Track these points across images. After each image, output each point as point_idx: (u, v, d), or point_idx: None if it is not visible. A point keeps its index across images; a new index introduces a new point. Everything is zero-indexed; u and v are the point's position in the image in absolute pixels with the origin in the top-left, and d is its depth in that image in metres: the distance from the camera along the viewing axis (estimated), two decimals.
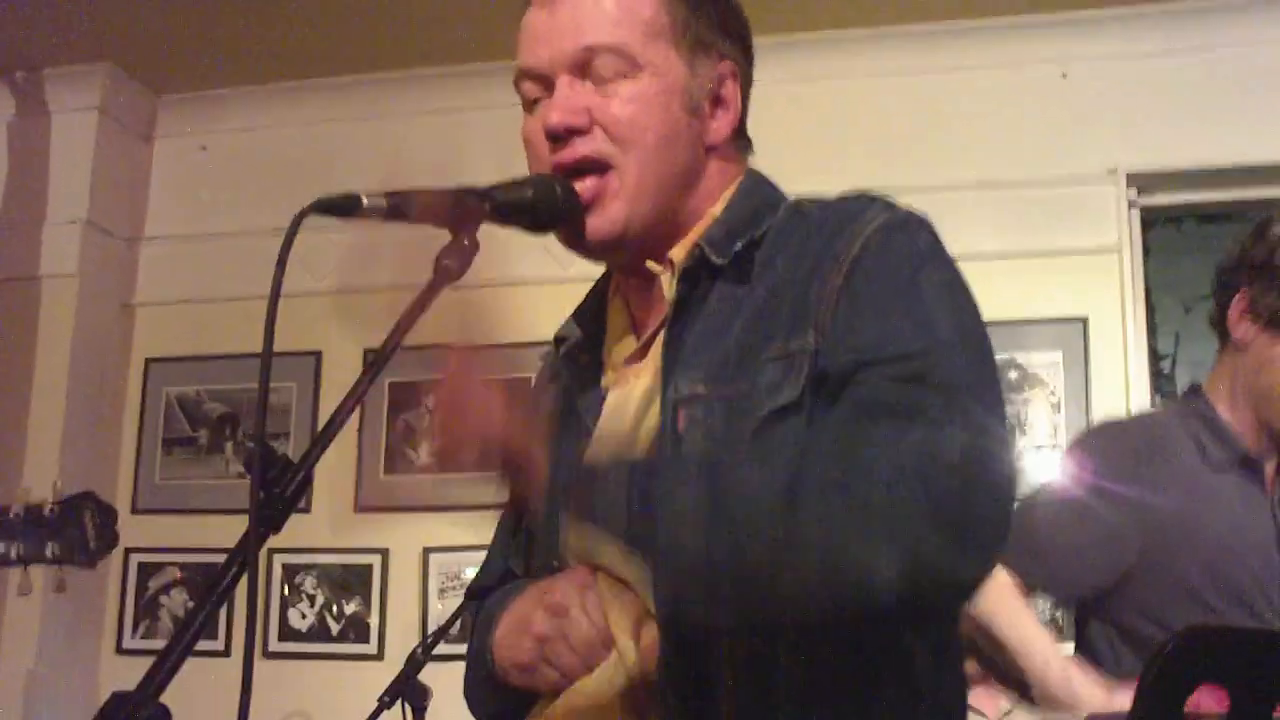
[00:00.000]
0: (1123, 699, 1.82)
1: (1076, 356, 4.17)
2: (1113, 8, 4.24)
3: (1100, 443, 2.48)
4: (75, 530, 2.53)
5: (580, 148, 1.47)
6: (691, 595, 1.32)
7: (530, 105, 1.54)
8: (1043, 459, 4.05)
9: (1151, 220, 4.40)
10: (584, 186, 1.48)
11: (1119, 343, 4.15)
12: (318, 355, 4.70)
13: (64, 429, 4.58)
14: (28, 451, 4.54)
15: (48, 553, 2.52)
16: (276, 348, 1.24)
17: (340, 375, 4.60)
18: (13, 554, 2.50)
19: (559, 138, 1.48)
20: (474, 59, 4.50)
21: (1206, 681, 1.03)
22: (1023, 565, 2.24)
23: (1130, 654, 2.31)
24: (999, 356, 1.41)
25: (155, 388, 4.90)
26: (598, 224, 1.49)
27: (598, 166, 1.48)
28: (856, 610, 1.26)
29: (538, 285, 3.29)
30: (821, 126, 4.42)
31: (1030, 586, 2.31)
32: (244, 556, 1.15)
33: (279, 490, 1.21)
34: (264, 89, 4.90)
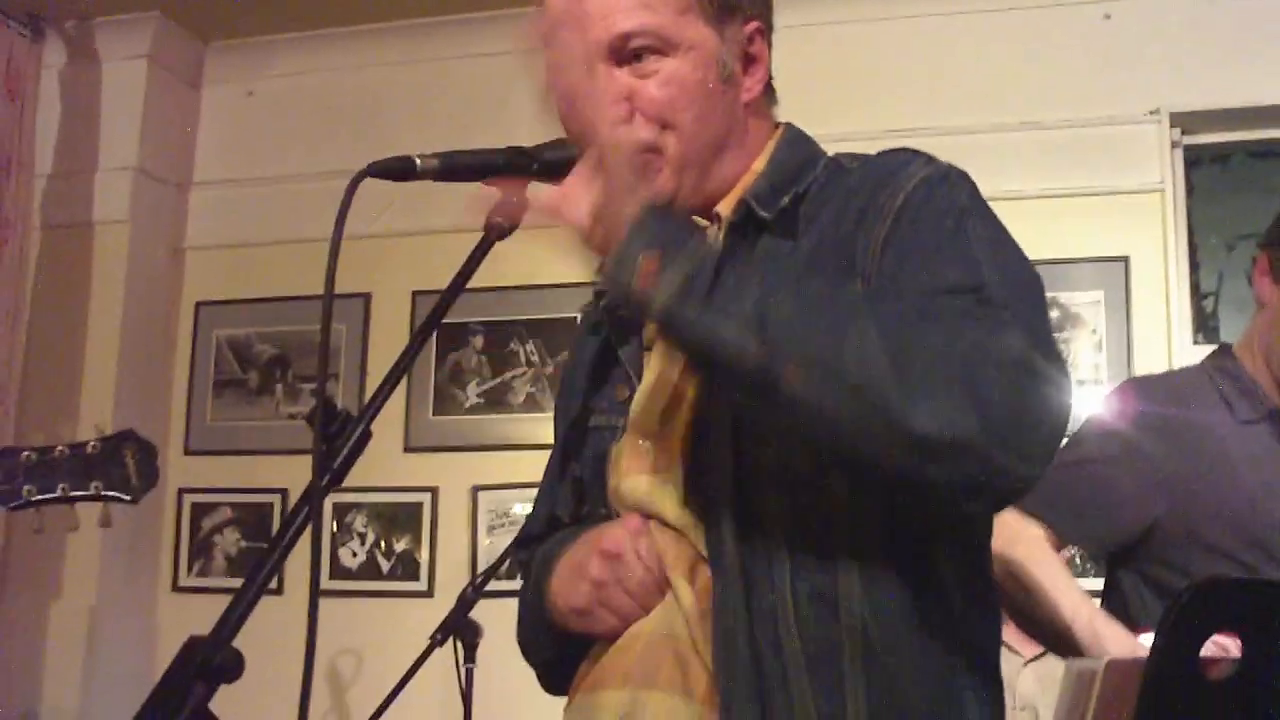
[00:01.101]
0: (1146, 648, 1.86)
1: (1118, 296, 4.17)
2: None
3: (1127, 399, 2.49)
4: (118, 467, 2.60)
5: None
6: (730, 323, 1.28)
7: None
8: (1085, 397, 4.06)
9: (1196, 159, 4.39)
10: None
11: (1160, 282, 4.14)
12: (367, 297, 4.73)
13: (117, 372, 4.65)
14: (83, 395, 4.60)
15: (92, 489, 2.59)
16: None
17: (389, 317, 4.66)
18: (59, 490, 2.57)
19: None
20: (521, 2, 4.49)
21: (1222, 629, 1.06)
22: (1054, 520, 2.29)
23: (1157, 602, 2.34)
24: None
25: (206, 331, 4.94)
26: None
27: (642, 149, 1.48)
28: (880, 434, 1.23)
29: None
30: (864, 68, 4.42)
31: (1062, 540, 2.36)
32: (307, 509, 1.21)
33: (340, 443, 1.27)
34: (309, 35, 4.92)
